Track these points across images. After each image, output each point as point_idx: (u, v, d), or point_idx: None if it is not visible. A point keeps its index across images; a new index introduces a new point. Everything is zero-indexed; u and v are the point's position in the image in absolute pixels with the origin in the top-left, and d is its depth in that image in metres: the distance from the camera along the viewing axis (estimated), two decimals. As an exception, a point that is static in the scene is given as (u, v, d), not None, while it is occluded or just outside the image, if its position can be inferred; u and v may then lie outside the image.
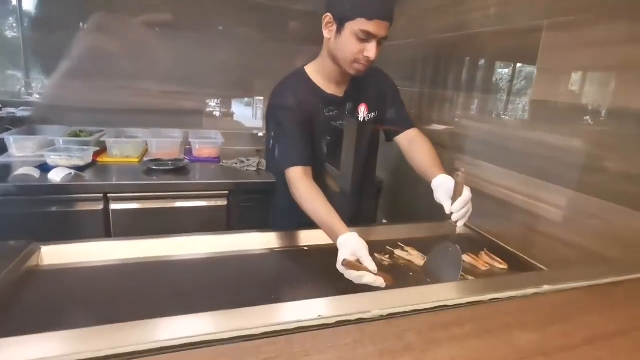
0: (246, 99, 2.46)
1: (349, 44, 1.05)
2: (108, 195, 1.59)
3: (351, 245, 0.90)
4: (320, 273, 1.03)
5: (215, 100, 2.40)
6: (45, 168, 1.65)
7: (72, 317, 0.82)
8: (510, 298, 0.53)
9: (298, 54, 1.96)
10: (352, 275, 0.86)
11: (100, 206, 1.59)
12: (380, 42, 1.05)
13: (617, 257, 0.98)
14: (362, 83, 1.21)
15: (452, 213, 0.97)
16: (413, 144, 1.22)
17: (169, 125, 2.25)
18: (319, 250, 1.16)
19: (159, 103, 2.20)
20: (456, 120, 1.64)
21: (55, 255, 0.99)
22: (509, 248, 1.27)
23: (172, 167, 1.86)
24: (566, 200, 1.13)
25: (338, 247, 0.92)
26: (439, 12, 1.76)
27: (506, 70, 1.41)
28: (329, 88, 1.19)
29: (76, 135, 1.90)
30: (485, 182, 1.42)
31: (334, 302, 0.57)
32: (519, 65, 1.35)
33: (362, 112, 1.22)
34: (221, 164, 2.05)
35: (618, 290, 0.61)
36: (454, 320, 0.50)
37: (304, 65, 1.22)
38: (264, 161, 2.05)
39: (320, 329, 0.50)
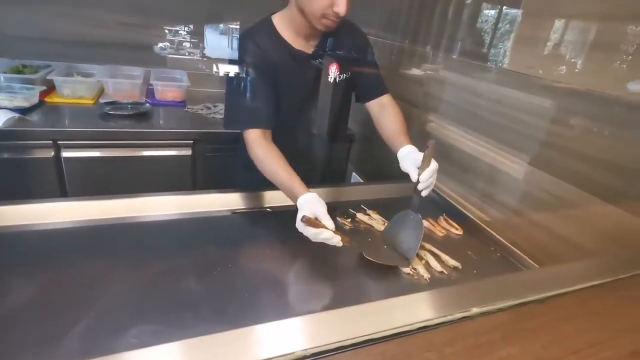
0: (221, 26, 2.22)
1: None
2: (58, 142, 1.48)
3: (310, 205, 0.90)
4: (281, 237, 1.03)
5: (184, 28, 2.14)
6: (-16, 110, 1.49)
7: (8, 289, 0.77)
8: (437, 325, 0.49)
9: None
10: (309, 232, 0.86)
11: (50, 154, 1.48)
12: None
13: (567, 235, 1.03)
14: (333, 39, 1.12)
15: (418, 182, 0.98)
16: (383, 111, 1.18)
17: (128, 62, 2.05)
18: (282, 212, 1.15)
19: (116, 36, 1.97)
20: (431, 78, 1.58)
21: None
22: (467, 214, 1.32)
23: (131, 112, 1.73)
24: (523, 174, 1.15)
25: (298, 207, 0.92)
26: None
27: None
28: (297, 43, 1.10)
29: (19, 72, 1.70)
30: (453, 144, 1.43)
31: (237, 341, 0.46)
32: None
33: (333, 72, 1.14)
34: (186, 109, 1.93)
35: (542, 311, 0.56)
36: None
37: (272, 14, 1.11)
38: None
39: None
